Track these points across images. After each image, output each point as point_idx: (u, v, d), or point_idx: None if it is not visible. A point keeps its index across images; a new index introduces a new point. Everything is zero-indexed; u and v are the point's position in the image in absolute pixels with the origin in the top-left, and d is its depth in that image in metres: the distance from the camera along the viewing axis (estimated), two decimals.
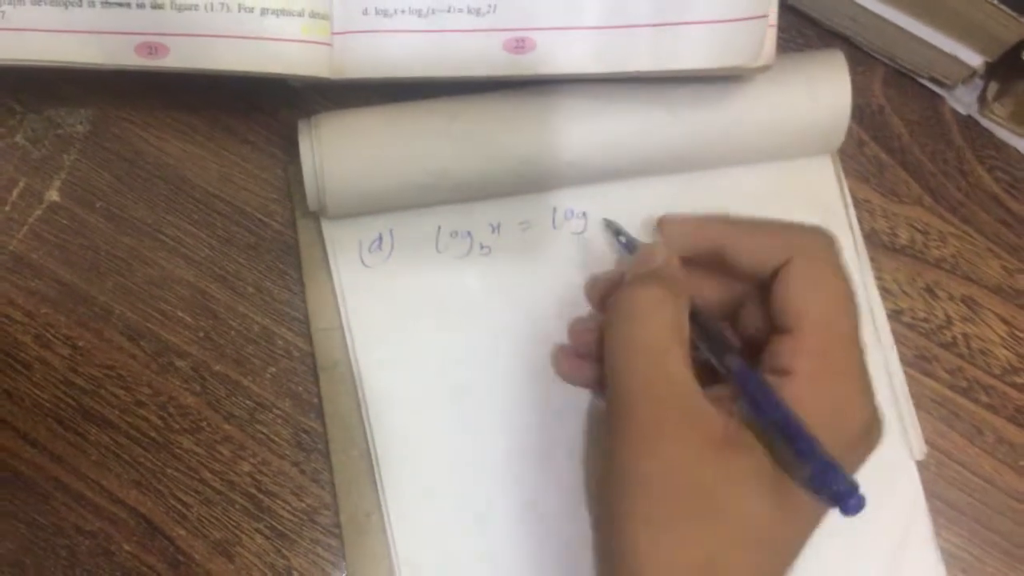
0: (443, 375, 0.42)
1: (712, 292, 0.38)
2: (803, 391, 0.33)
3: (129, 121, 0.45)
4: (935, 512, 0.43)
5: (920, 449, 0.43)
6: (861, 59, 0.47)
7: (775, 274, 0.35)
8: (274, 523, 0.42)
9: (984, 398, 0.44)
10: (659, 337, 0.34)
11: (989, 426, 0.44)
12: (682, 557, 0.32)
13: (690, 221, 0.38)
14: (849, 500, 0.29)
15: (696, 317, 0.36)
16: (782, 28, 0.46)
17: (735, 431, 0.33)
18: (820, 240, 0.36)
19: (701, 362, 0.36)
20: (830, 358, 0.34)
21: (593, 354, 0.39)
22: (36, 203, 0.44)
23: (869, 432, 0.34)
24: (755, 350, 0.36)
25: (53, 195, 0.44)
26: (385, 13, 0.40)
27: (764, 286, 0.36)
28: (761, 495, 0.32)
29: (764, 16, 0.37)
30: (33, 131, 0.45)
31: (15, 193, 0.44)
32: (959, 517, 0.43)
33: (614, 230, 0.42)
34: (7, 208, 0.44)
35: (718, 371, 0.35)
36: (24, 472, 0.42)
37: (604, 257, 0.43)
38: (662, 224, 0.39)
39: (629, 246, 0.41)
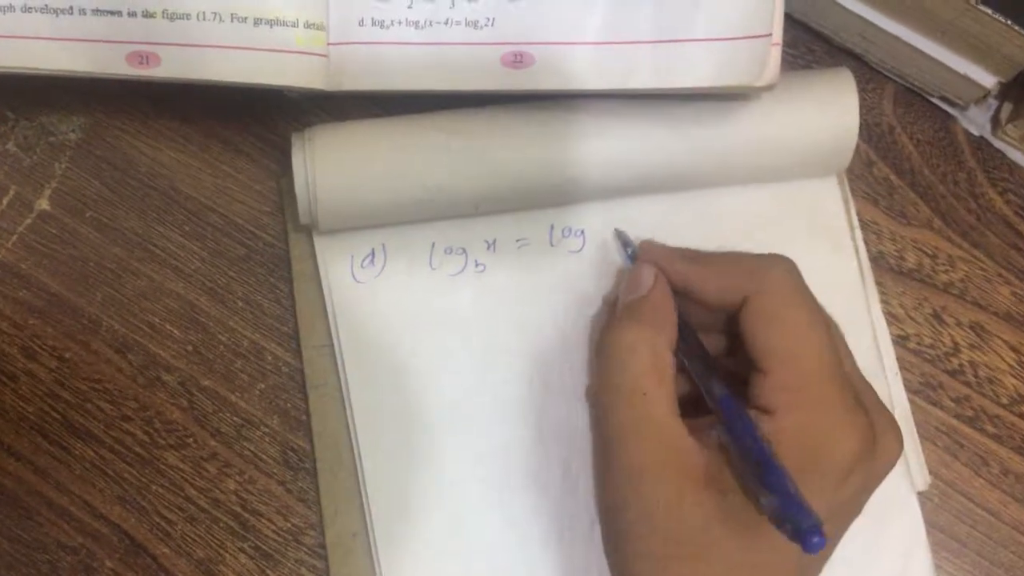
0: (435, 395, 0.42)
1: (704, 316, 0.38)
2: (781, 427, 0.33)
3: (122, 129, 0.45)
4: (937, 544, 0.42)
5: (923, 480, 0.42)
6: (871, 77, 0.46)
7: (739, 313, 0.36)
8: (259, 543, 0.41)
9: (991, 428, 0.43)
10: (638, 379, 0.35)
11: (995, 457, 0.43)
12: None
13: (662, 255, 0.38)
14: (811, 538, 0.29)
15: (684, 342, 0.36)
16: (790, 44, 0.45)
17: (715, 467, 0.33)
18: (776, 272, 0.36)
19: (692, 390, 0.36)
20: (804, 392, 0.34)
21: None
22: (26, 212, 0.44)
23: (863, 456, 0.34)
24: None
25: (43, 204, 0.44)
26: (382, 24, 0.39)
27: (734, 320, 0.36)
28: (731, 536, 0.33)
29: (768, 35, 0.36)
30: (25, 138, 0.44)
31: (5, 201, 0.44)
32: (962, 550, 0.42)
33: (623, 241, 0.42)
34: None
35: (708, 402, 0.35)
36: (7, 486, 0.42)
37: (601, 276, 0.42)
38: (642, 251, 0.40)
39: (632, 259, 0.41)
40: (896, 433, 0.36)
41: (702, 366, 0.36)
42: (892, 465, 0.35)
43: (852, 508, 0.35)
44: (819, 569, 0.35)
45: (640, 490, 0.34)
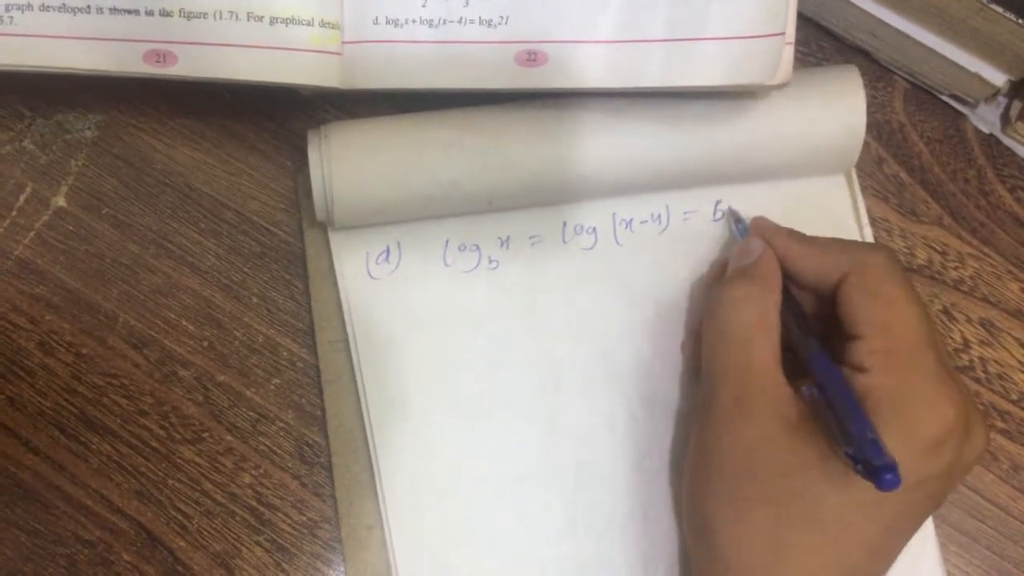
0: (448, 390, 0.42)
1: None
2: (874, 384, 0.34)
3: (138, 127, 0.45)
4: (947, 539, 0.42)
5: None
6: (881, 75, 0.46)
7: (837, 289, 0.37)
8: (275, 536, 0.42)
9: (1000, 424, 0.43)
10: (745, 328, 0.37)
11: (1005, 453, 0.43)
12: (755, 536, 0.35)
13: (770, 229, 0.40)
14: (884, 475, 0.29)
15: (786, 305, 0.38)
16: (800, 42, 0.46)
17: (810, 420, 0.35)
18: (876, 254, 0.38)
19: (788, 359, 0.37)
20: (900, 355, 0.35)
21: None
22: (43, 209, 0.44)
23: (956, 431, 0.34)
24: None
25: (60, 201, 0.44)
26: (396, 23, 0.39)
27: (827, 299, 0.38)
28: (827, 481, 0.34)
29: (781, 34, 0.37)
30: (41, 136, 0.45)
31: (22, 198, 0.44)
32: (972, 545, 0.42)
33: (734, 218, 0.43)
34: (14, 213, 0.44)
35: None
36: (25, 480, 0.42)
37: (612, 274, 0.43)
38: (753, 224, 0.41)
39: (742, 234, 0.42)
40: (985, 426, 0.36)
41: (798, 326, 0.37)
42: (980, 457, 0.36)
43: (940, 486, 0.35)
44: (904, 539, 0.36)
45: (738, 431, 0.36)
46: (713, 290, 0.39)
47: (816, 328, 0.39)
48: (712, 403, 0.37)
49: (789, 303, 0.38)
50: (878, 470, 0.30)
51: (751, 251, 0.39)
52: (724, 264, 0.41)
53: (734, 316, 0.37)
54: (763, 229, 0.40)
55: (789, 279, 0.39)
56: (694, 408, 0.41)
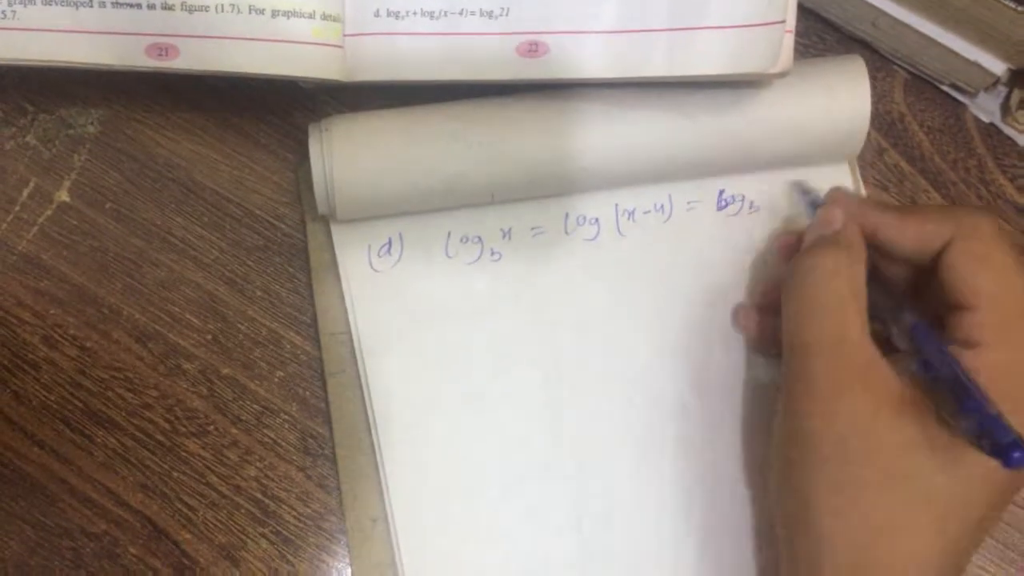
0: (452, 381, 0.42)
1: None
2: (987, 361, 0.33)
3: (140, 122, 0.45)
4: None
5: None
6: (882, 65, 0.46)
7: (937, 258, 0.35)
8: (280, 528, 0.42)
9: None
10: (836, 299, 0.34)
11: None
12: (863, 521, 0.33)
13: (853, 202, 0.38)
14: (1013, 452, 0.28)
15: (873, 280, 0.36)
16: (802, 33, 0.46)
17: (910, 393, 0.33)
18: (985, 218, 0.35)
19: (878, 333, 0.35)
20: (1014, 330, 0.33)
21: (768, 310, 0.40)
22: (46, 203, 0.44)
23: None
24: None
25: (63, 195, 0.44)
26: (397, 15, 0.39)
27: (925, 271, 0.36)
28: (931, 458, 0.32)
29: (781, 22, 0.37)
30: (44, 131, 0.45)
31: (25, 193, 0.44)
32: None
33: (801, 190, 0.42)
34: (17, 208, 0.44)
35: (893, 341, 0.35)
36: (30, 473, 0.42)
37: (615, 264, 0.43)
38: (833, 197, 0.39)
39: (814, 205, 0.40)
40: None
41: (891, 298, 0.35)
42: None
43: None
44: (1002, 512, 0.35)
45: (834, 411, 0.33)
46: (798, 258, 0.36)
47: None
48: (801, 379, 0.34)
49: (877, 276, 0.36)
50: (1006, 448, 0.28)
51: (833, 220, 0.37)
52: (796, 238, 0.39)
53: (824, 285, 0.35)
54: (842, 200, 0.38)
55: (877, 251, 0.37)
56: (771, 386, 0.40)
